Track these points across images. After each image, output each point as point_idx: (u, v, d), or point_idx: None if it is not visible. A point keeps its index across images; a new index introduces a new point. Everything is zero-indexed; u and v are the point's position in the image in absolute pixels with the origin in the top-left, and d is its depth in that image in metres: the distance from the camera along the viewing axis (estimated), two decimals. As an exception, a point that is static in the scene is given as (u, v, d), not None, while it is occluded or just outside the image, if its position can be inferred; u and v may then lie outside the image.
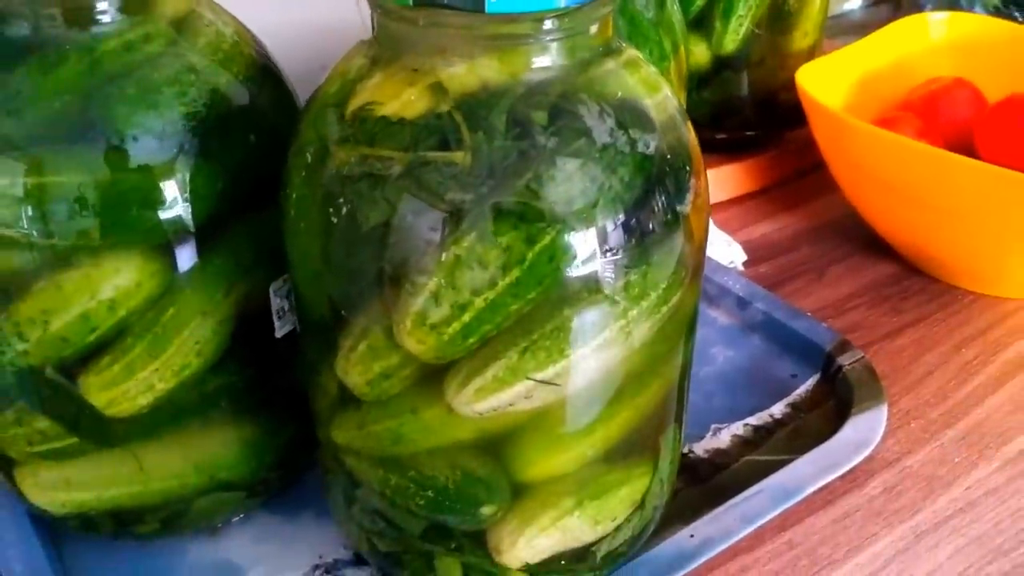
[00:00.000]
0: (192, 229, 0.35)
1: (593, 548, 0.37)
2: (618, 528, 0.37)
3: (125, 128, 0.33)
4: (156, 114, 0.33)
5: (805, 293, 0.60)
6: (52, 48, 0.33)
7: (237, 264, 0.36)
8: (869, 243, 0.64)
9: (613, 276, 0.30)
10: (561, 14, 0.29)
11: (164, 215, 0.34)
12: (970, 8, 0.92)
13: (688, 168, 0.33)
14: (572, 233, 0.29)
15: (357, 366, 0.32)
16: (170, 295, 0.35)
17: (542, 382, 0.31)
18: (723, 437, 0.48)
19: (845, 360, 0.51)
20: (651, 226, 0.31)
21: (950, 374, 0.53)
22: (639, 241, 0.30)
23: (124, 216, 0.33)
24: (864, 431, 0.47)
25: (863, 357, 0.52)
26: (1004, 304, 0.58)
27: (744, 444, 0.48)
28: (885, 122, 0.61)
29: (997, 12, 0.93)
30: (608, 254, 0.30)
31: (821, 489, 0.44)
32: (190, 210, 0.34)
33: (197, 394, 0.38)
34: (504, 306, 0.30)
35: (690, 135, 0.34)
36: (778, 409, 0.50)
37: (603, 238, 0.30)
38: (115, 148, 0.33)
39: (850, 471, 0.45)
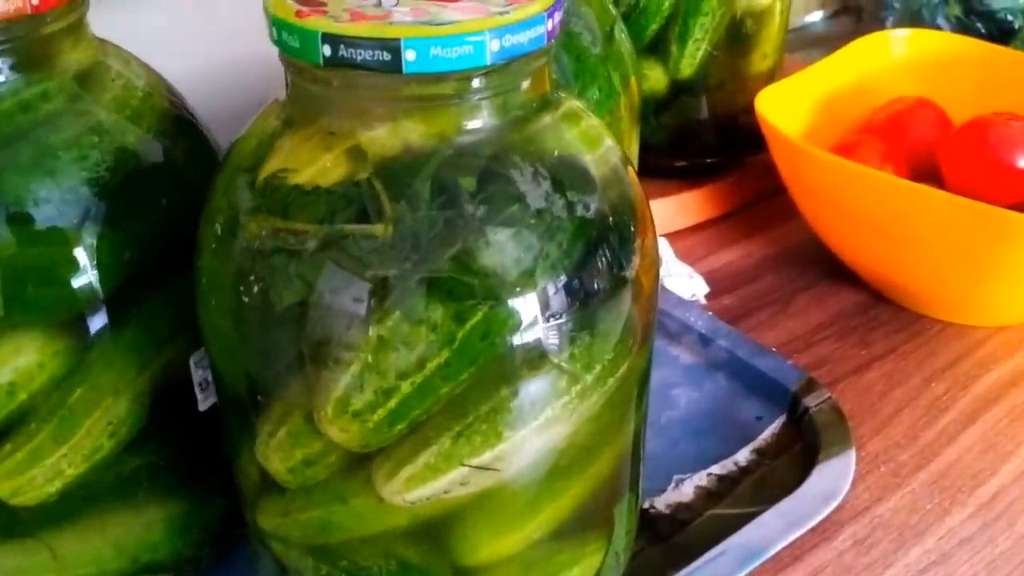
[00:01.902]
0: (99, 302, 0.32)
1: (545, 630, 0.34)
2: (571, 608, 0.34)
3: (20, 198, 0.30)
4: (53, 182, 0.30)
5: (771, 325, 0.58)
6: (-64, 110, 0.30)
7: (152, 336, 0.34)
8: (835, 270, 0.62)
9: (554, 351, 0.28)
10: (488, 72, 0.27)
11: (66, 290, 0.31)
12: (932, 20, 0.91)
13: (632, 227, 0.30)
14: (506, 308, 0.27)
15: (277, 452, 0.30)
16: (78, 374, 0.32)
17: (479, 468, 0.29)
18: (685, 489, 0.46)
19: (811, 401, 0.49)
20: (594, 295, 0.28)
21: (920, 411, 0.51)
22: (582, 312, 0.28)
23: (21, 293, 0.30)
24: (832, 480, 0.45)
25: (830, 398, 0.49)
26: (973, 333, 0.57)
27: (708, 496, 0.46)
28: (847, 147, 0.60)
29: (960, 23, 0.91)
30: (547, 328, 0.27)
31: (788, 544, 0.42)
32: (96, 282, 0.31)
33: (113, 476, 0.35)
34: (434, 389, 0.27)
35: (635, 189, 0.31)
36: (743, 456, 0.48)
37: (542, 311, 0.27)
38: (8, 220, 0.30)
39: (818, 522, 0.43)
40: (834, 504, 0.44)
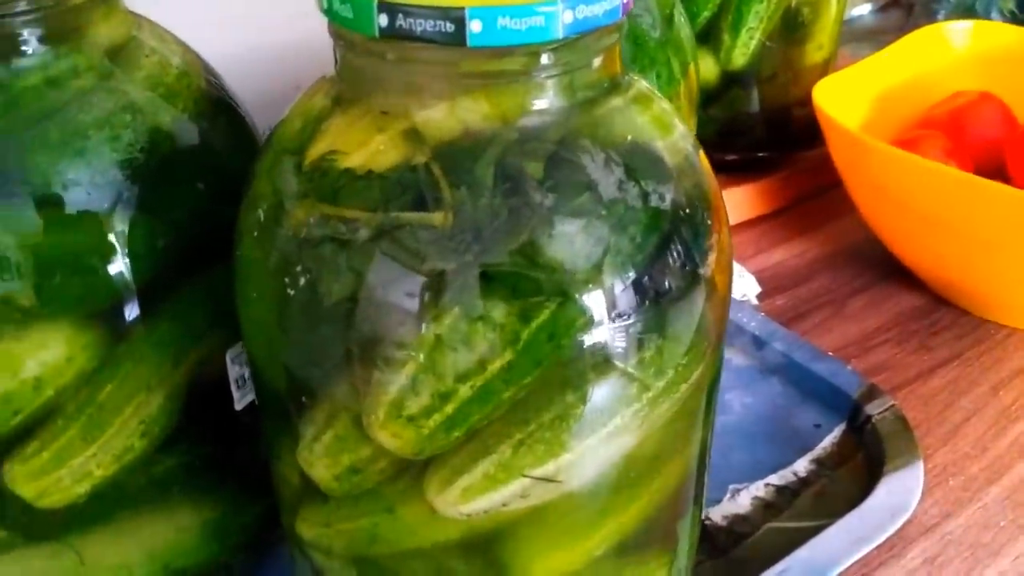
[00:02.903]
0: (132, 292, 0.30)
1: (602, 653, 0.32)
2: (630, 628, 0.32)
3: (48, 180, 0.28)
4: (84, 163, 0.28)
5: (826, 328, 0.55)
6: (-42, 86, 0.28)
7: (187, 330, 0.32)
8: (892, 270, 0.59)
9: (624, 353, 0.25)
10: (558, 47, 0.24)
11: (97, 279, 0.29)
12: (986, 14, 0.87)
13: (708, 220, 0.28)
14: (575, 306, 0.24)
15: (323, 458, 0.28)
16: (108, 369, 0.30)
17: (541, 479, 0.26)
18: (742, 500, 0.44)
19: (874, 409, 0.46)
20: (668, 293, 0.26)
21: (988, 421, 0.48)
22: (654, 312, 0.26)
23: (49, 282, 0.28)
24: (899, 494, 0.42)
25: (893, 405, 0.47)
26: (1041, 339, 0.54)
27: (766, 508, 0.43)
28: (909, 142, 0.57)
29: (1013, 17, 0.88)
30: (618, 328, 0.25)
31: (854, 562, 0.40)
32: (128, 271, 0.29)
33: (145, 477, 0.33)
34: (495, 393, 0.25)
35: (709, 179, 0.29)
36: (802, 466, 0.46)
37: (612, 310, 0.25)
38: (36, 204, 0.28)
39: (886, 539, 0.41)
40: (902, 520, 0.41)
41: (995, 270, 0.52)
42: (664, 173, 0.26)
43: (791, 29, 0.60)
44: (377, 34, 0.23)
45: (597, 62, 0.26)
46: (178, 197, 0.30)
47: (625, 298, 0.25)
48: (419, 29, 0.23)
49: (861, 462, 0.46)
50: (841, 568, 0.39)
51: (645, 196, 0.26)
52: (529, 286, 0.24)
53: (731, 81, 0.61)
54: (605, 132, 0.26)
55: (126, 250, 0.29)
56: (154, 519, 0.34)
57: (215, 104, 0.33)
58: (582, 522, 0.29)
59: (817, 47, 0.62)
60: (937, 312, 0.56)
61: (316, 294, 0.25)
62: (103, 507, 0.33)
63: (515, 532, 0.28)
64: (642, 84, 0.29)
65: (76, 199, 0.28)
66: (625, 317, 0.25)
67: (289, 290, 0.25)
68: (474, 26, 0.23)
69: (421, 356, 0.24)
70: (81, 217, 0.28)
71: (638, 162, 0.26)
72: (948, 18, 0.87)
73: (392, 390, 0.25)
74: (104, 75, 0.30)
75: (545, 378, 0.25)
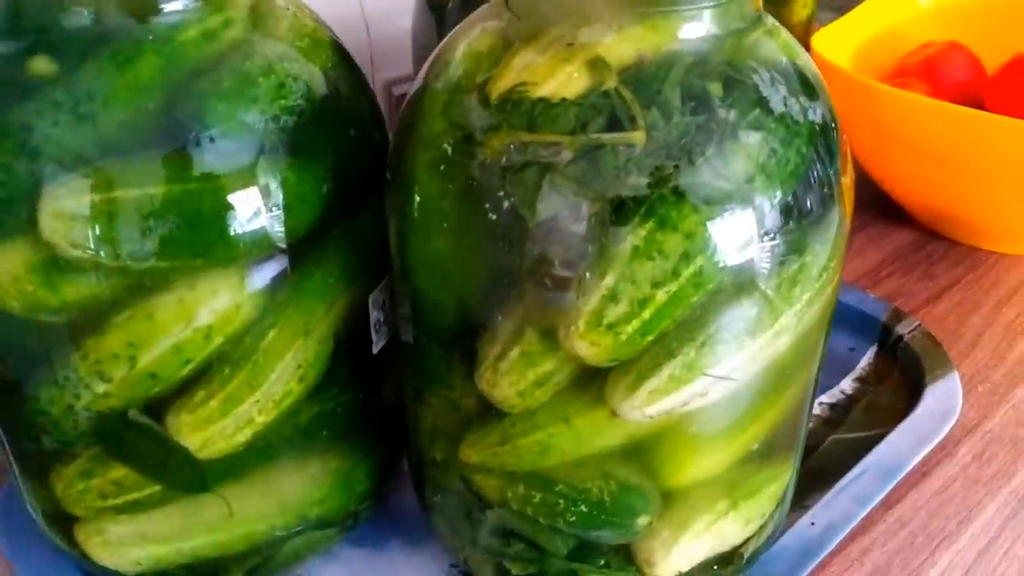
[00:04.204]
0: (295, 239, 0.31)
1: (741, 549, 0.34)
2: (762, 526, 0.35)
3: (221, 128, 0.29)
4: (256, 109, 0.29)
5: (836, 265, 0.59)
6: (123, 40, 0.29)
7: (339, 275, 0.33)
8: (883, 210, 0.63)
9: (793, 258, 0.28)
10: (733, -25, 0.27)
11: (265, 225, 0.30)
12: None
13: (841, 135, 0.31)
14: (756, 213, 0.27)
15: (508, 376, 0.29)
16: (270, 315, 0.31)
17: (721, 378, 0.29)
18: (803, 418, 0.47)
19: (903, 329, 0.51)
20: (823, 201, 0.29)
21: (999, 335, 0.53)
22: (814, 218, 0.28)
23: (222, 230, 0.29)
24: (945, 400, 0.46)
25: (919, 325, 0.51)
26: (1025, 262, 0.59)
27: (825, 423, 0.47)
28: (896, 87, 0.61)
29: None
30: (787, 234, 0.28)
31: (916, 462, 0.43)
32: (294, 218, 0.30)
33: (291, 425, 0.34)
34: (686, 298, 0.27)
35: (831, 99, 0.32)
36: (847, 385, 0.49)
37: (783, 217, 0.27)
38: (209, 152, 0.29)
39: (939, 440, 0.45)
40: (952, 421, 0.45)
41: (984, 199, 0.57)
42: (814, 91, 0.29)
43: (780, -12, 0.64)
44: (578, -33, 0.25)
45: (755, -8, 0.28)
46: (333, 145, 0.31)
47: (792, 207, 0.28)
48: (620, -39, 0.25)
49: (899, 377, 0.50)
50: (909, 467, 0.42)
51: (805, 111, 0.28)
52: (718, 196, 0.26)
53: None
54: (760, 55, 0.28)
55: (293, 196, 0.30)
56: (287, 470, 0.35)
57: (342, 55, 0.34)
58: (733, 425, 0.31)
59: (802, 5, 0.65)
60: (931, 244, 0.61)
61: (518, 217, 0.27)
62: (253, 457, 0.33)
63: (669, 437, 0.31)
64: (769, 16, 0.31)
65: (247, 148, 0.29)
66: (792, 224, 0.28)
67: (491, 215, 0.27)
68: (671, -43, 0.25)
69: (620, 266, 0.26)
70: (253, 164, 0.29)
71: (793, 81, 0.29)
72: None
73: (593, 300, 0.27)
74: (252, 28, 0.31)
75: (726, 281, 0.27)
